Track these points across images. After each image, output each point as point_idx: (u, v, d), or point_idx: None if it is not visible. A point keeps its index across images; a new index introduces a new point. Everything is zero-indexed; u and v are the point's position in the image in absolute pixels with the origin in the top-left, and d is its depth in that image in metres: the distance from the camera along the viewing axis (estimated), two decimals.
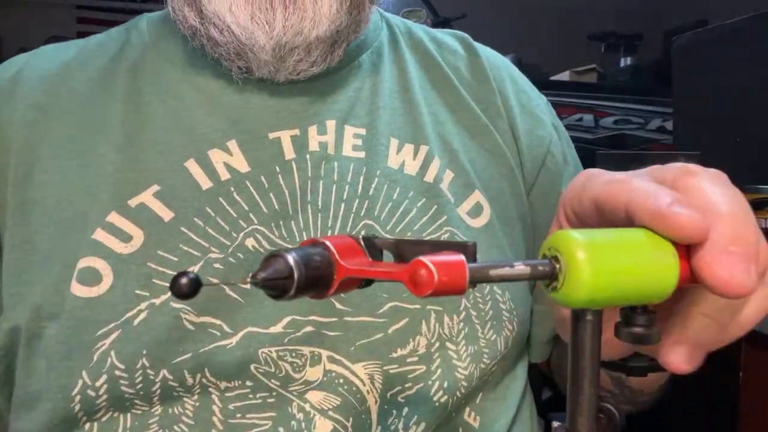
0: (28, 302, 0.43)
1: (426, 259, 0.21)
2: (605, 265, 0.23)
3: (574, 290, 0.23)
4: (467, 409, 0.48)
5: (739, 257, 0.25)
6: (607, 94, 2.28)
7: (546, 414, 1.28)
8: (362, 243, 0.26)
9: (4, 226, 0.46)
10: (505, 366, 0.50)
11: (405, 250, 0.26)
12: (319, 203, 0.46)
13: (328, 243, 0.24)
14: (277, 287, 0.21)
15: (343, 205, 0.47)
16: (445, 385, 0.46)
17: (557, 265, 0.23)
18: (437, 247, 0.23)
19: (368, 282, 0.25)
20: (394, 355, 0.44)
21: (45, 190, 0.45)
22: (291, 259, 0.21)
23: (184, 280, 0.20)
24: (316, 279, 0.22)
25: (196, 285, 0.20)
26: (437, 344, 0.46)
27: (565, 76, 2.42)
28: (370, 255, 0.26)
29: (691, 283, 0.25)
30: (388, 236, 0.46)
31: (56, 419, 0.42)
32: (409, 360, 0.45)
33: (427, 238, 0.47)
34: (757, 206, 0.97)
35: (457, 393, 0.46)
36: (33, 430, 0.43)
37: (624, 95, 2.29)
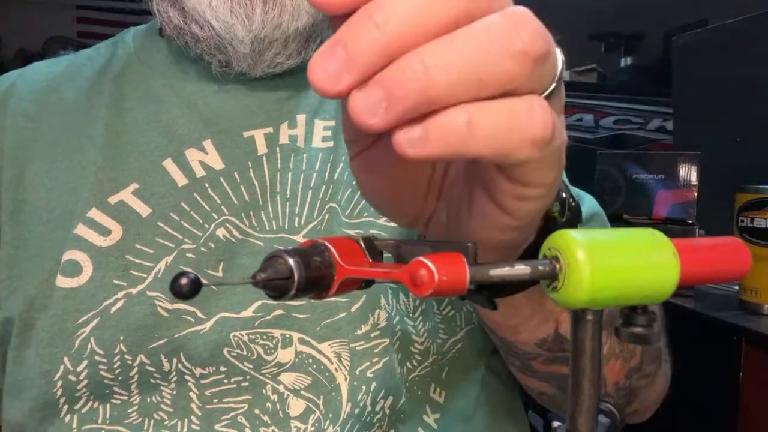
0: (21, 295, 0.45)
1: (426, 259, 0.21)
2: (605, 265, 0.23)
3: (575, 290, 0.23)
4: (433, 386, 0.49)
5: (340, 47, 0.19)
6: (607, 94, 2.28)
7: (546, 414, 1.28)
8: (362, 244, 0.26)
9: (0, 225, 0.48)
10: (472, 343, 0.51)
11: (405, 251, 0.26)
12: (288, 193, 0.48)
13: (328, 244, 0.24)
14: (278, 288, 0.21)
15: (310, 192, 0.49)
16: (400, 357, 0.47)
17: (557, 265, 0.23)
18: (437, 247, 0.23)
19: (368, 283, 0.25)
20: (359, 332, 0.46)
21: (35, 191, 0.48)
22: (291, 260, 0.21)
23: (183, 281, 0.20)
24: (316, 280, 0.22)
25: (196, 285, 0.20)
26: (397, 317, 0.47)
27: (565, 76, 2.42)
28: (370, 256, 0.26)
29: (691, 283, 0.25)
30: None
31: (39, 405, 0.44)
32: (372, 335, 0.46)
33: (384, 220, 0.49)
34: (757, 206, 0.97)
35: (413, 365, 0.48)
36: (18, 419, 0.45)
37: (624, 95, 2.29)
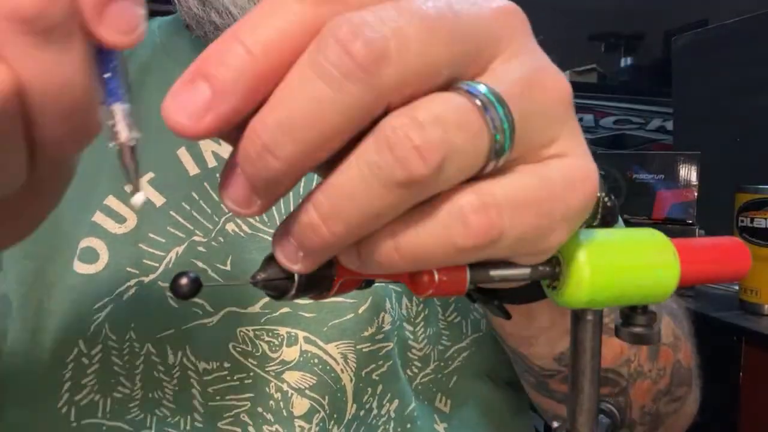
0: (42, 278, 0.45)
1: None
2: (606, 266, 0.23)
3: (575, 290, 0.23)
4: (439, 395, 0.49)
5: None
6: (607, 94, 2.29)
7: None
8: None
9: None
10: (479, 352, 0.50)
11: None
12: (301, 186, 0.48)
13: None
14: (278, 288, 0.21)
15: None
16: (401, 362, 0.47)
17: (558, 265, 0.23)
18: None
19: (369, 282, 0.25)
20: (365, 334, 0.46)
21: None
22: None
23: (184, 281, 0.20)
24: (316, 280, 0.22)
25: (196, 285, 0.20)
26: (398, 322, 0.47)
27: (565, 76, 2.42)
28: None
29: (691, 283, 0.25)
30: None
31: (42, 388, 0.44)
32: (377, 338, 0.46)
33: None
34: (757, 206, 0.97)
35: (413, 372, 0.48)
36: (15, 410, 0.45)
37: (624, 95, 2.29)
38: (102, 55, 0.19)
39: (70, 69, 0.18)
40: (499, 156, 0.18)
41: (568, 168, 0.20)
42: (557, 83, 0.20)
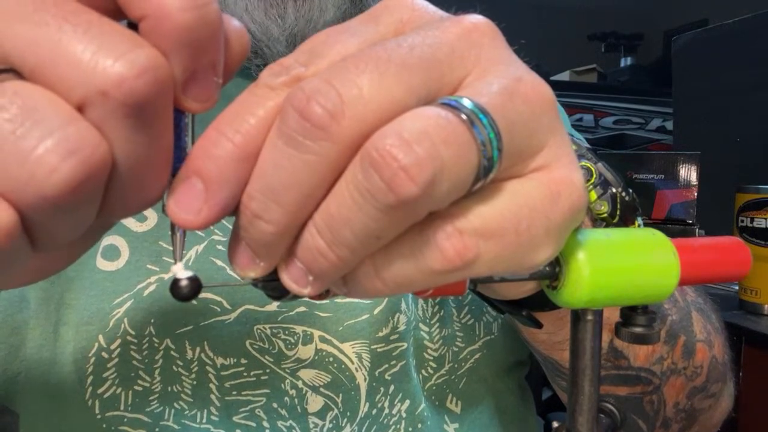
0: (63, 275, 0.46)
1: None
2: (605, 266, 0.23)
3: (575, 290, 0.23)
4: (450, 396, 0.50)
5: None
6: (607, 94, 2.29)
7: (546, 414, 1.28)
8: None
9: None
10: (490, 354, 0.51)
11: None
12: None
13: None
14: (277, 288, 0.21)
15: None
16: (416, 363, 0.48)
17: (557, 265, 0.23)
18: None
19: None
20: (380, 334, 0.47)
21: None
22: None
23: (184, 282, 0.20)
24: None
25: (196, 287, 0.20)
26: (414, 323, 0.48)
27: (565, 76, 2.43)
28: None
29: (691, 283, 0.25)
30: None
31: (68, 381, 0.44)
32: (392, 338, 0.47)
33: None
34: (757, 206, 0.98)
35: (429, 372, 0.48)
36: (42, 403, 0.46)
37: (624, 95, 2.29)
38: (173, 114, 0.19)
39: (158, 149, 0.19)
40: (488, 172, 0.18)
41: (551, 181, 0.19)
42: (538, 89, 0.20)
